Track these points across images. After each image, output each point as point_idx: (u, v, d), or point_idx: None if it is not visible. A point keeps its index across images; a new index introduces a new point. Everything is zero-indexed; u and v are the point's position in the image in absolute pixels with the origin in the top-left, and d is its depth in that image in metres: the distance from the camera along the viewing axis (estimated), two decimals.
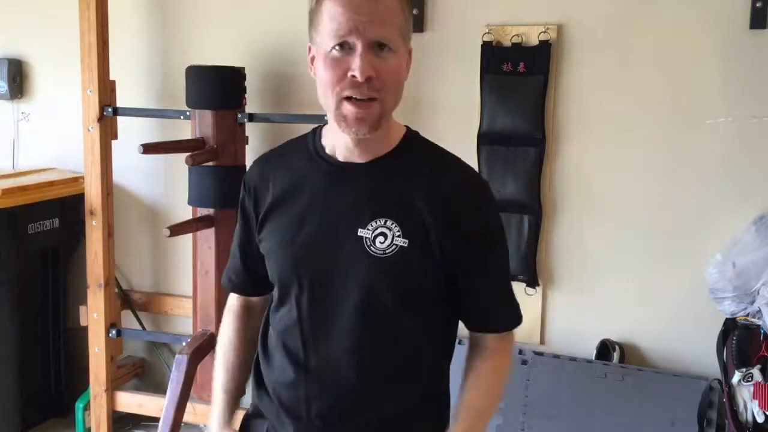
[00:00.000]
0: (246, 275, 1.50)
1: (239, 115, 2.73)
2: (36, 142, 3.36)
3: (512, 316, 1.39)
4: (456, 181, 1.31)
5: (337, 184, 1.32)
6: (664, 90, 2.59)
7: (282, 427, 1.39)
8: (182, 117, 2.78)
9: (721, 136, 2.54)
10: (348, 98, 1.22)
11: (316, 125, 1.41)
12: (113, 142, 2.88)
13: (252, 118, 2.73)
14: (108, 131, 2.84)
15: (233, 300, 1.56)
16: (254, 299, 1.53)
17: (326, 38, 1.21)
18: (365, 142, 1.29)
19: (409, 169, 1.29)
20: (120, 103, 2.88)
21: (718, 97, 2.53)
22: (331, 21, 1.20)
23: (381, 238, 1.26)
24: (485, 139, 2.72)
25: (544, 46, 2.64)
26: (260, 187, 1.39)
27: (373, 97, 1.22)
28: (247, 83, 2.78)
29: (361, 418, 1.34)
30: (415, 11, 2.76)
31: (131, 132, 2.97)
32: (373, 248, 1.26)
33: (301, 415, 1.35)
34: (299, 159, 1.37)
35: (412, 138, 1.36)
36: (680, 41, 2.56)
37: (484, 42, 2.70)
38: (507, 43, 2.69)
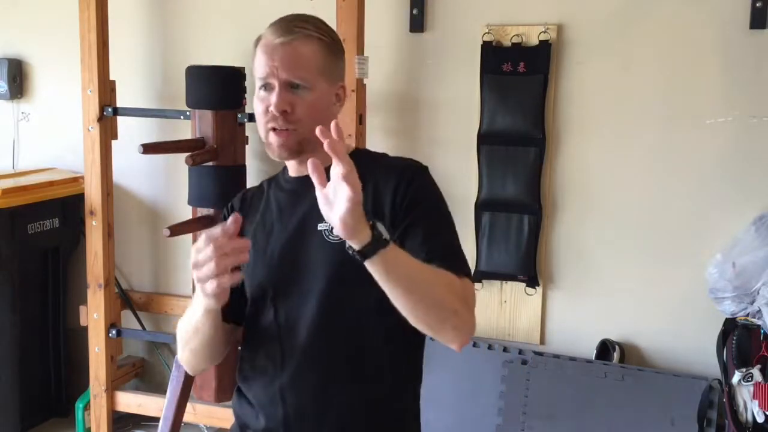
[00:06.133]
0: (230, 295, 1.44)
1: (239, 115, 2.73)
2: (36, 142, 3.36)
3: (459, 264, 1.36)
4: (397, 166, 1.46)
5: (296, 195, 1.48)
6: (664, 90, 2.59)
7: (257, 423, 1.45)
8: (182, 117, 2.78)
9: (721, 136, 2.54)
10: (273, 129, 1.42)
11: None
12: (113, 142, 2.88)
13: (252, 118, 2.72)
14: (108, 131, 2.84)
15: None
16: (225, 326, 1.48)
17: (256, 79, 1.45)
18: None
19: (357, 169, 1.34)
20: (120, 103, 2.88)
21: (718, 97, 2.53)
22: (258, 65, 1.45)
23: None
24: (485, 139, 2.72)
25: (544, 46, 2.64)
26: (242, 209, 1.54)
27: (290, 128, 1.41)
28: (247, 83, 2.78)
29: (332, 408, 1.40)
30: (414, 11, 2.77)
31: (131, 132, 2.97)
32: (331, 237, 1.38)
33: (277, 410, 1.42)
34: (270, 187, 1.56)
35: (358, 152, 1.52)
36: (680, 41, 2.56)
37: (484, 42, 2.70)
38: (507, 43, 2.69)
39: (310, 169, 1.17)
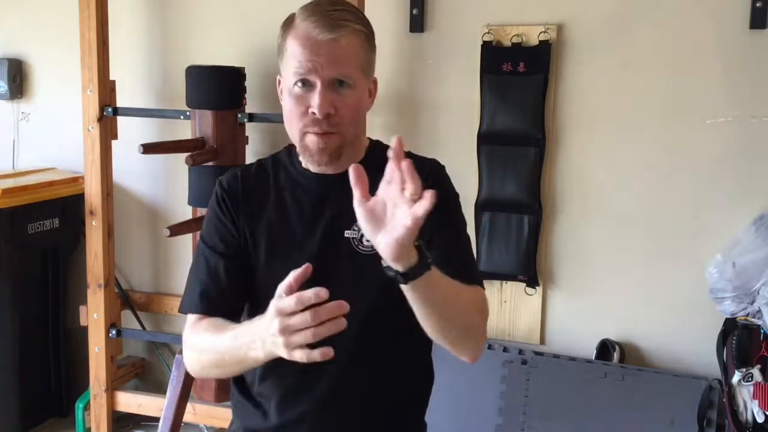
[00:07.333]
0: (231, 294, 1.40)
1: (239, 115, 2.73)
2: (36, 142, 3.36)
3: (476, 274, 1.36)
4: (419, 165, 1.37)
5: (319, 196, 1.39)
6: (664, 90, 2.59)
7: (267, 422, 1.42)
8: (182, 117, 2.78)
9: (721, 136, 2.54)
10: (312, 131, 1.31)
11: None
12: (113, 142, 2.88)
13: (252, 118, 2.73)
14: (108, 131, 2.84)
15: (202, 320, 1.38)
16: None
17: (290, 75, 1.30)
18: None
19: (380, 171, 1.33)
20: (120, 103, 2.88)
21: (718, 97, 2.53)
22: (293, 60, 1.29)
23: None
24: (485, 139, 2.72)
25: (544, 46, 2.64)
26: (244, 198, 1.42)
27: (332, 131, 1.31)
28: (247, 83, 2.78)
29: (360, 406, 1.40)
30: (415, 11, 2.77)
31: (131, 132, 2.97)
32: (361, 247, 1.33)
33: (305, 408, 1.39)
34: (279, 173, 1.44)
35: (376, 147, 1.45)
36: (680, 41, 2.56)
37: (484, 42, 2.70)
38: (507, 43, 2.69)
39: (353, 177, 1.05)
